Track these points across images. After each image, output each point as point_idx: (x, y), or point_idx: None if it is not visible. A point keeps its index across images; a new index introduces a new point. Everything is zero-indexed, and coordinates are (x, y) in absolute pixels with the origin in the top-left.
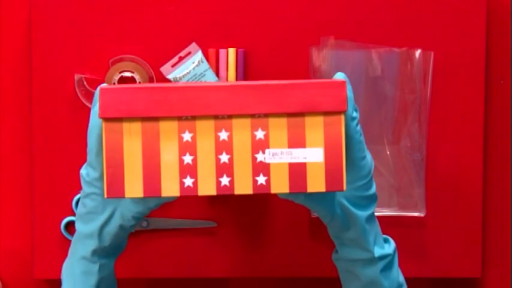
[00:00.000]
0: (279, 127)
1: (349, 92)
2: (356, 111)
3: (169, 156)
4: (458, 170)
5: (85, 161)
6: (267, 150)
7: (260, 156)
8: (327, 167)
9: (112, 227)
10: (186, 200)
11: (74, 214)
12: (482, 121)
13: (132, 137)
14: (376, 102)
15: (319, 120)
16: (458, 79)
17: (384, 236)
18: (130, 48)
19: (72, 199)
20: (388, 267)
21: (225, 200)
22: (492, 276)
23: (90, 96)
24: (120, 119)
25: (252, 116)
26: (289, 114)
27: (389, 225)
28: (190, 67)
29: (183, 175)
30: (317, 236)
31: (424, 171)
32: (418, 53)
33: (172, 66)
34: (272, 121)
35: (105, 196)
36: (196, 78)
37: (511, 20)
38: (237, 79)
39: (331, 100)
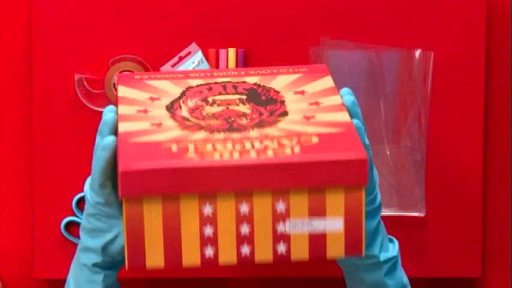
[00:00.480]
0: (299, 200)
1: (355, 105)
2: (363, 123)
3: (189, 229)
4: (458, 170)
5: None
6: (287, 221)
7: (281, 227)
8: (347, 235)
9: (116, 246)
10: None
11: (74, 214)
12: (482, 121)
13: (152, 215)
14: (376, 102)
15: (340, 193)
16: (458, 79)
17: (389, 236)
18: (131, 48)
19: (72, 199)
20: (392, 269)
21: None
22: (492, 276)
23: (90, 96)
24: (140, 199)
25: (273, 191)
26: (310, 189)
27: (389, 225)
28: (190, 67)
29: (203, 246)
30: None
31: (424, 171)
32: (418, 53)
33: (172, 66)
34: (293, 195)
35: (126, 269)
36: None
37: (511, 20)
38: None
39: (352, 175)
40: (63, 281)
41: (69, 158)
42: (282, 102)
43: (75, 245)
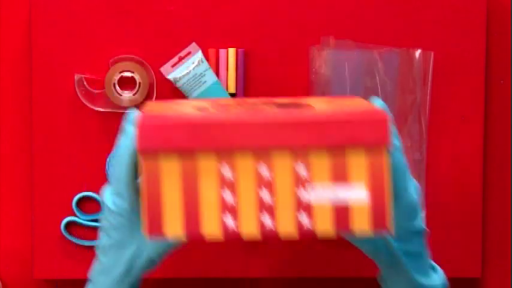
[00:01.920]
0: (319, 162)
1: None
2: (397, 138)
3: (209, 192)
4: (458, 170)
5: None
6: (308, 187)
7: (302, 194)
8: (371, 205)
9: (141, 261)
10: None
11: (74, 214)
12: (482, 121)
13: (170, 172)
14: None
15: (361, 155)
16: (458, 79)
17: (433, 264)
18: (131, 48)
19: (72, 199)
20: None
21: None
22: (492, 276)
23: (90, 96)
24: (157, 154)
25: (292, 150)
26: (330, 149)
27: None
28: (190, 67)
29: (223, 213)
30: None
31: (424, 171)
32: (418, 53)
33: (172, 66)
34: (313, 156)
35: (148, 238)
36: (196, 78)
37: (511, 20)
38: (237, 79)
39: (372, 134)
40: (63, 281)
41: (69, 158)
42: (308, 105)
43: (75, 245)
